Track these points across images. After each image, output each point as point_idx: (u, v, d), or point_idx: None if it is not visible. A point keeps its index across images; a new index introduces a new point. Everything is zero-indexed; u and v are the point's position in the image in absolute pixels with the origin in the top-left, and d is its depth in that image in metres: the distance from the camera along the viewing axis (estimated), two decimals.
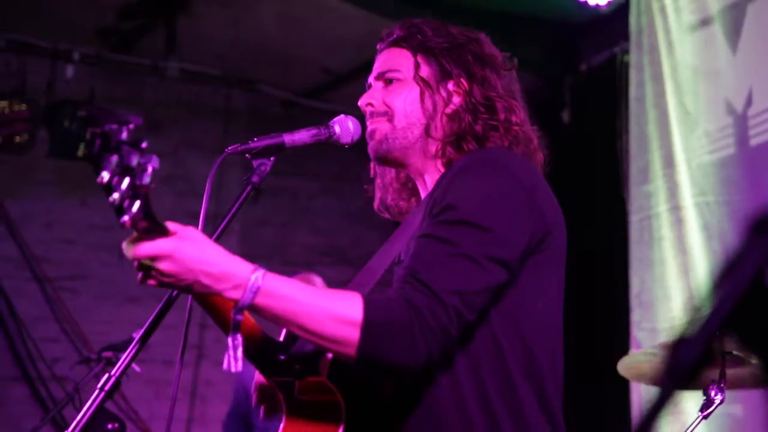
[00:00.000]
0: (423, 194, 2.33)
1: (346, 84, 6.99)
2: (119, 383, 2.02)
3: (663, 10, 5.23)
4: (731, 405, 4.22)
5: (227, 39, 6.60)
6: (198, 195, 2.08)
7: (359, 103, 2.32)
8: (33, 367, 6.64)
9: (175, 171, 7.16)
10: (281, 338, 2.23)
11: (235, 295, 1.86)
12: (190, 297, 2.12)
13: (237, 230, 7.12)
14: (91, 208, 6.98)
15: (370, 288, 2.17)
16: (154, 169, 1.66)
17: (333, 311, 1.88)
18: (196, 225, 2.06)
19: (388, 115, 2.28)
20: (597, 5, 5.67)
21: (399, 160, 2.31)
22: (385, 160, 2.33)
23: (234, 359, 1.91)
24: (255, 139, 2.19)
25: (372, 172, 2.47)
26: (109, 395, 2.00)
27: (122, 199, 1.65)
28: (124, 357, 2.04)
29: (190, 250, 1.82)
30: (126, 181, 1.64)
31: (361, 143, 2.34)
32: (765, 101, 4.58)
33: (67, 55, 6.61)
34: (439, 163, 2.27)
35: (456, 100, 2.26)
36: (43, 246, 6.80)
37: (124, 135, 1.66)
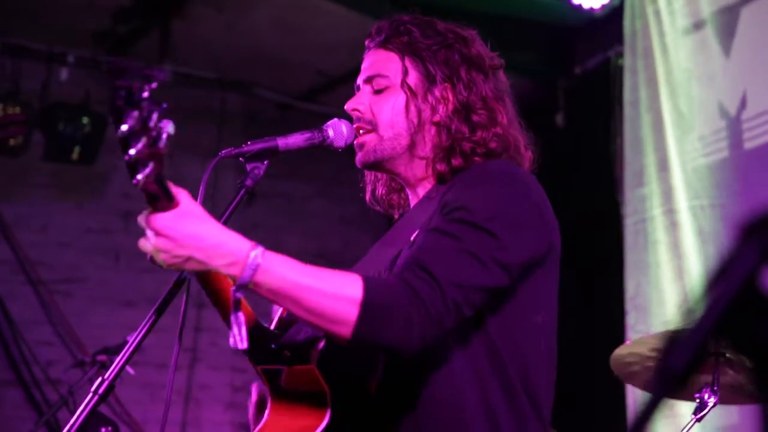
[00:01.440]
0: (413, 201, 2.34)
1: (341, 87, 6.99)
2: (113, 387, 2.02)
3: (657, 13, 5.24)
4: (729, 415, 4.23)
5: (222, 43, 6.60)
6: (194, 198, 2.09)
7: (346, 107, 2.31)
8: (27, 371, 6.63)
9: (169, 174, 7.12)
10: (273, 327, 2.23)
11: (233, 271, 1.86)
12: (183, 300, 2.12)
13: None
14: (86, 212, 6.98)
15: None
16: (168, 134, 1.70)
17: (333, 289, 1.89)
18: None
19: (373, 124, 2.28)
20: (591, 9, 5.68)
21: (387, 169, 2.33)
22: (372, 168, 2.35)
23: (239, 336, 1.88)
24: (248, 142, 2.19)
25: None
26: (103, 399, 2.00)
27: (138, 157, 1.69)
28: (118, 360, 2.04)
29: (184, 225, 1.84)
30: (143, 140, 1.67)
31: (354, 147, 2.34)
32: (759, 104, 4.60)
33: (61, 58, 6.61)
34: (430, 174, 2.28)
35: (442, 108, 2.25)
36: (37, 249, 6.79)
37: (147, 93, 1.67)
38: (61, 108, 6.47)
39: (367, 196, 2.46)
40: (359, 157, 2.30)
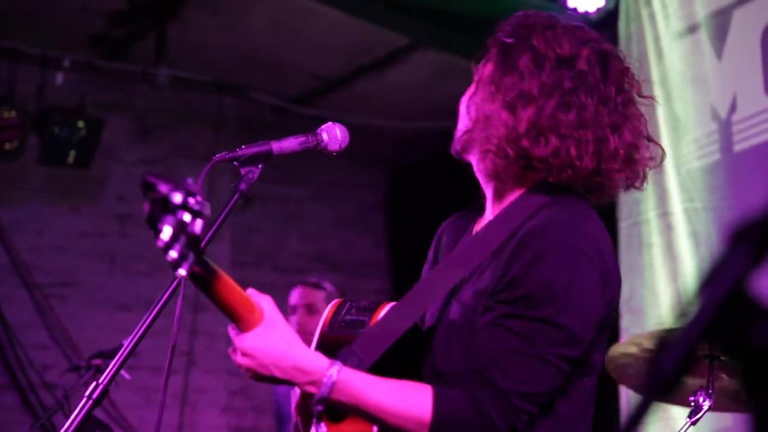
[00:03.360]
0: (490, 203, 2.22)
1: (336, 90, 7.00)
2: (107, 391, 2.02)
3: (652, 17, 5.24)
4: (724, 418, 4.23)
5: (218, 46, 6.60)
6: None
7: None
8: (23, 375, 6.63)
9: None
10: (315, 344, 2.19)
11: (311, 389, 1.98)
12: (179, 304, 2.12)
13: (227, 237, 7.11)
14: (81, 215, 6.98)
15: (429, 310, 2.19)
16: (204, 218, 1.70)
17: (403, 410, 1.98)
18: None
19: (470, 114, 2.18)
20: (586, 12, 5.68)
21: (467, 159, 2.22)
22: (459, 156, 2.23)
23: None
24: (243, 147, 2.19)
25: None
26: (97, 403, 2.00)
27: (180, 255, 1.69)
28: (112, 364, 2.04)
29: (264, 346, 1.97)
30: (182, 238, 1.68)
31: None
32: (749, 107, 4.61)
33: (57, 62, 6.61)
34: (516, 177, 2.14)
35: (537, 112, 2.08)
36: (33, 253, 6.79)
37: (179, 199, 1.67)
38: (57, 112, 6.48)
39: None
40: (453, 144, 2.23)
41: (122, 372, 2.14)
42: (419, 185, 7.42)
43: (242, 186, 2.17)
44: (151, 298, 2.16)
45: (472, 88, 2.23)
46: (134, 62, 6.77)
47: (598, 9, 5.65)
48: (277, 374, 1.96)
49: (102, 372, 2.12)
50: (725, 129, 4.71)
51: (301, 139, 2.25)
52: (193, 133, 7.23)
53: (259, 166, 2.19)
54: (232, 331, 1.99)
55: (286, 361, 1.96)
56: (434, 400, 1.96)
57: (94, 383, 2.02)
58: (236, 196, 2.17)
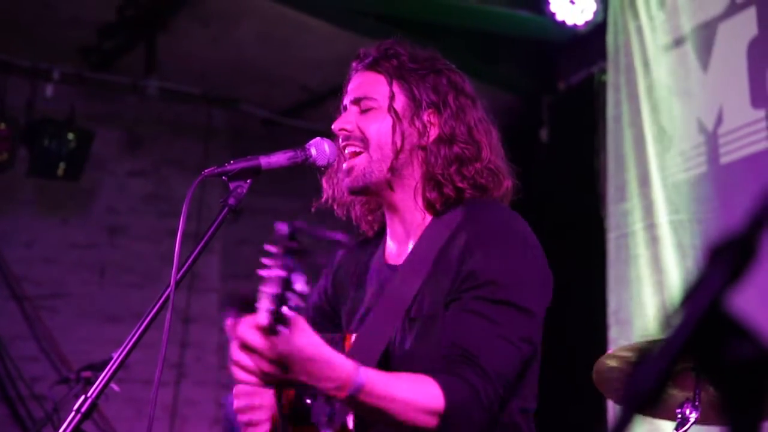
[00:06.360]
0: (397, 228, 2.36)
1: (326, 102, 7.00)
2: (96, 405, 2.02)
3: (639, 29, 5.27)
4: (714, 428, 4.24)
5: (208, 58, 6.61)
6: (179, 214, 2.10)
7: (333, 127, 2.34)
8: (12, 387, 6.61)
9: (156, 190, 7.15)
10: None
11: (338, 394, 1.93)
12: (168, 316, 2.13)
13: (218, 249, 7.11)
14: (71, 227, 6.97)
15: (385, 345, 2.23)
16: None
17: (420, 404, 2.01)
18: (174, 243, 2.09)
19: (364, 141, 2.30)
20: (575, 25, 5.72)
21: (373, 193, 2.34)
22: (360, 193, 2.36)
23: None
24: (231, 161, 2.20)
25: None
26: (86, 417, 2.00)
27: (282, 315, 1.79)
28: (102, 378, 2.05)
29: (295, 352, 1.84)
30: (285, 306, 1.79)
31: (341, 172, 2.36)
32: (735, 119, 4.63)
33: (46, 73, 6.60)
34: (419, 201, 2.31)
35: (431, 132, 2.29)
36: (22, 264, 6.78)
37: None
38: (47, 124, 6.47)
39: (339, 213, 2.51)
40: (347, 183, 2.32)
41: (112, 384, 2.14)
42: None
43: (231, 201, 2.19)
44: (141, 310, 2.17)
45: (378, 117, 2.31)
46: (124, 74, 6.77)
47: (587, 22, 5.69)
48: (304, 379, 1.87)
49: (92, 384, 2.12)
50: (711, 141, 4.73)
51: (290, 154, 2.27)
52: (183, 145, 7.23)
53: (248, 180, 2.21)
54: (249, 333, 1.83)
55: (315, 366, 1.86)
56: (443, 389, 2.02)
57: (83, 396, 2.02)
58: (225, 211, 2.19)
